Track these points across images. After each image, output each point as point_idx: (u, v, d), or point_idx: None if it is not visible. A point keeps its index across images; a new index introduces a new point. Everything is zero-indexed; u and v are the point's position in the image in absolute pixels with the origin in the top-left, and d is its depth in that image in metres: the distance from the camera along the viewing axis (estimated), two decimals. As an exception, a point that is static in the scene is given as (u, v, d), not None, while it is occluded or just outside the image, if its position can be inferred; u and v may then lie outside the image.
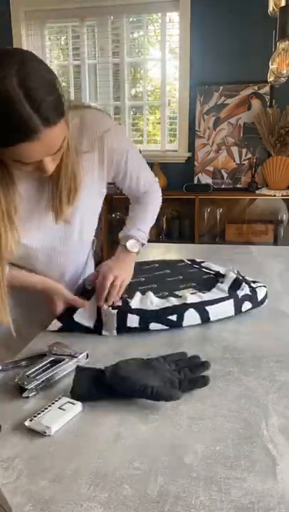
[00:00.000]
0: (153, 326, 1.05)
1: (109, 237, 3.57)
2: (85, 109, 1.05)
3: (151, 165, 3.75)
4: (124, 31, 3.60)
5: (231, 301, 1.11)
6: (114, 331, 1.04)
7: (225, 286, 1.16)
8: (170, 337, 1.03)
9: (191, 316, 1.07)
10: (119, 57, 3.66)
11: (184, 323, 1.06)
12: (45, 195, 1.01)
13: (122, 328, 1.04)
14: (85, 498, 0.57)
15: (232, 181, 3.52)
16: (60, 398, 0.76)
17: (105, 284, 1.07)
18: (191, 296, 1.10)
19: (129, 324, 1.04)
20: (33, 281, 1.08)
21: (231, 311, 1.12)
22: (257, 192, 3.37)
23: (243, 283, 1.17)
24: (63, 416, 0.72)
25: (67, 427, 0.71)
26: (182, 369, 0.83)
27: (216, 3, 3.32)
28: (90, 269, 1.32)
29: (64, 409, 0.73)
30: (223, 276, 1.25)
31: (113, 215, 3.57)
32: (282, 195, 3.29)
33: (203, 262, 1.44)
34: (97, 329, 1.05)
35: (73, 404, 0.75)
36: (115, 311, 1.04)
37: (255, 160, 3.42)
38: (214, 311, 1.09)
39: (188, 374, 0.82)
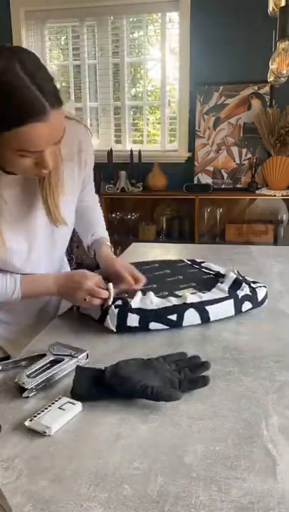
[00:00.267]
0: (153, 325, 1.05)
1: (110, 237, 3.57)
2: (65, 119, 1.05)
3: (151, 165, 3.73)
4: (124, 31, 3.60)
5: (231, 301, 1.11)
6: (114, 328, 1.04)
7: (225, 286, 1.16)
8: (170, 337, 1.03)
9: (191, 316, 1.07)
10: (119, 57, 3.66)
11: (184, 323, 1.06)
12: (31, 200, 1.02)
13: (122, 327, 1.04)
14: (85, 498, 0.57)
15: (232, 181, 3.52)
16: (60, 398, 0.77)
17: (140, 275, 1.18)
18: (191, 296, 1.10)
19: (129, 323, 1.04)
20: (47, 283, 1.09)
21: (231, 311, 1.12)
22: (257, 192, 3.37)
23: (243, 283, 1.17)
24: (63, 416, 0.72)
25: (67, 427, 0.71)
26: (182, 369, 0.83)
27: (215, 3, 3.32)
28: (66, 265, 1.36)
29: (64, 409, 0.73)
30: (223, 276, 1.25)
31: (113, 215, 3.57)
32: (282, 195, 3.29)
33: (203, 262, 1.44)
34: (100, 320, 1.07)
35: (73, 404, 0.75)
36: (116, 310, 1.04)
37: (255, 160, 3.42)
38: (214, 311, 1.09)
39: (188, 374, 0.82)
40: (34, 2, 3.59)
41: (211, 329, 1.07)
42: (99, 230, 1.32)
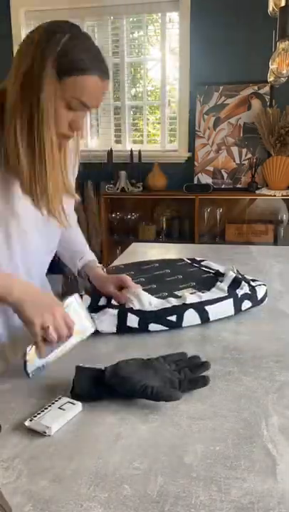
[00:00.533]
0: (152, 326, 1.05)
1: (110, 237, 3.58)
2: None
3: (151, 165, 3.73)
4: (124, 31, 3.60)
5: (231, 300, 1.11)
6: (114, 329, 1.04)
7: (224, 285, 1.16)
8: (170, 337, 1.03)
9: (191, 317, 1.07)
10: (119, 57, 3.65)
11: (184, 324, 1.06)
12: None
13: (122, 328, 1.04)
14: (85, 498, 0.57)
15: (232, 181, 3.52)
16: (60, 398, 0.77)
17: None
18: (191, 296, 1.10)
19: (128, 324, 1.04)
20: None
21: (231, 311, 1.12)
22: (257, 192, 3.37)
23: (243, 282, 1.17)
24: (63, 416, 0.72)
25: (67, 427, 0.71)
26: (182, 369, 0.83)
27: (215, 3, 3.32)
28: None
29: (64, 409, 0.73)
30: (222, 275, 1.25)
31: (113, 215, 3.57)
32: (282, 195, 3.29)
33: (203, 260, 1.44)
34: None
35: (73, 404, 0.75)
36: (116, 311, 1.04)
37: (255, 160, 3.42)
38: (214, 311, 1.09)
39: (188, 374, 0.82)
40: (34, 2, 3.59)
41: (211, 329, 1.07)
42: (86, 253, 1.26)
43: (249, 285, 1.17)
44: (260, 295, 1.17)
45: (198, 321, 1.08)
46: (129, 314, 1.04)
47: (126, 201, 3.63)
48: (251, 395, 0.79)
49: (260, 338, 1.03)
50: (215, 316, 1.09)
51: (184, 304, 1.07)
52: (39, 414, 0.72)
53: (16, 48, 3.74)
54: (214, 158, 3.52)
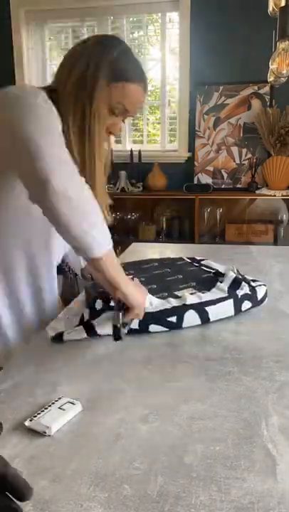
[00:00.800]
0: (153, 327, 1.04)
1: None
2: None
3: (151, 165, 3.73)
4: (124, 31, 3.60)
5: (231, 301, 1.11)
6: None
7: (224, 285, 1.16)
8: (170, 337, 1.03)
9: (191, 317, 1.07)
10: (119, 57, 3.66)
11: (184, 325, 1.06)
12: None
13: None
14: (85, 498, 0.57)
15: (232, 181, 3.52)
16: (60, 398, 0.77)
17: None
18: (191, 297, 1.10)
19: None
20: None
21: (231, 311, 1.12)
22: (257, 192, 3.37)
23: (243, 282, 1.17)
24: (63, 416, 0.72)
25: (67, 427, 0.71)
26: None
27: (215, 3, 3.32)
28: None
29: (64, 409, 0.73)
30: (222, 275, 1.25)
31: (113, 215, 3.56)
32: (282, 195, 3.29)
33: (203, 259, 1.44)
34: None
35: (73, 404, 0.75)
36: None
37: (255, 160, 3.42)
38: (214, 312, 1.09)
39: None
40: (34, 2, 3.59)
41: (211, 329, 1.07)
42: None
43: (249, 285, 1.17)
44: (260, 295, 1.17)
45: (199, 322, 1.08)
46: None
47: (126, 201, 3.63)
48: (251, 395, 0.79)
49: (260, 338, 1.03)
50: (215, 317, 1.09)
51: (184, 304, 1.07)
52: (39, 414, 0.72)
53: (16, 48, 3.73)
54: (214, 158, 3.52)
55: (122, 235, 3.57)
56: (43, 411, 0.73)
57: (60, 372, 0.88)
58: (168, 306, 1.07)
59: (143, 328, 1.04)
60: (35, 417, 0.72)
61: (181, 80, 3.50)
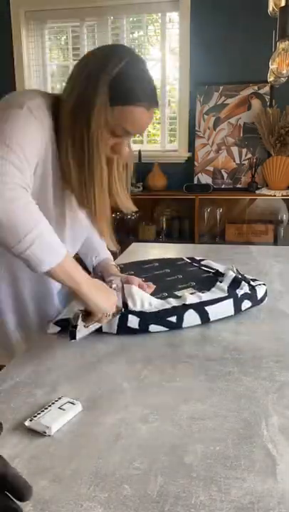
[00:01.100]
0: (153, 327, 1.05)
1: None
2: None
3: (151, 165, 3.72)
4: (124, 31, 3.60)
5: (231, 300, 1.11)
6: (115, 330, 1.04)
7: (224, 285, 1.16)
8: (170, 337, 1.03)
9: (191, 317, 1.07)
10: (119, 57, 3.65)
11: (184, 325, 1.06)
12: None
13: (123, 328, 1.04)
14: (85, 498, 0.57)
15: (232, 181, 3.52)
16: (60, 398, 0.77)
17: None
18: (191, 297, 1.10)
19: (129, 324, 1.04)
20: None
21: (231, 311, 1.12)
22: (257, 192, 3.37)
23: (243, 281, 1.17)
24: (63, 416, 0.72)
25: (68, 427, 0.71)
26: None
27: (215, 3, 3.32)
28: None
29: (64, 409, 0.73)
30: (222, 274, 1.25)
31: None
32: (282, 195, 3.29)
33: (203, 259, 1.44)
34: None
35: (73, 404, 0.75)
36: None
37: (255, 160, 3.42)
38: (214, 311, 1.09)
39: None
40: (34, 2, 3.59)
41: (211, 329, 1.07)
42: (102, 251, 1.31)
43: (249, 285, 1.17)
44: (260, 295, 1.17)
45: (199, 322, 1.08)
46: (129, 315, 1.04)
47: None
48: (251, 395, 0.79)
49: (260, 338, 1.03)
50: (215, 316, 1.09)
51: (184, 304, 1.07)
52: (39, 414, 0.72)
53: (16, 48, 3.72)
54: (214, 158, 3.52)
55: (122, 235, 3.56)
56: (43, 411, 0.73)
57: (60, 372, 0.88)
58: (168, 306, 1.07)
59: (143, 328, 1.04)
60: (35, 417, 0.72)
61: (181, 80, 3.50)
